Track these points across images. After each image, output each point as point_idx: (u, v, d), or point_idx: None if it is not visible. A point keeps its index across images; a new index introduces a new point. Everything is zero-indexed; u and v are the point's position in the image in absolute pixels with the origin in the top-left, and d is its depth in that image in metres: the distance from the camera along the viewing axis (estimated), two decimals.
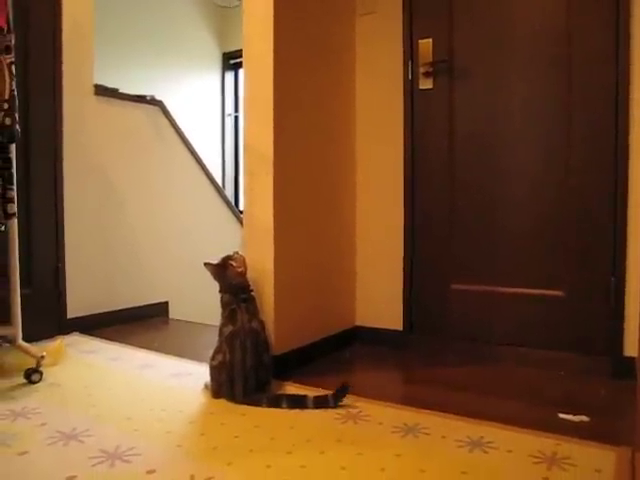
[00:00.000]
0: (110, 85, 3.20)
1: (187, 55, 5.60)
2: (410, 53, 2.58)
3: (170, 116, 3.57)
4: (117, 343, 2.70)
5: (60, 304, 2.85)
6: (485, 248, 2.47)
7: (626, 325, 2.16)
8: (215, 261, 2.02)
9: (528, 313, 2.38)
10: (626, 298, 2.17)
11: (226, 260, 2.01)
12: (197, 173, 3.89)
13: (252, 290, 2.04)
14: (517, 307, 2.40)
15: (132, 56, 4.84)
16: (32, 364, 2.08)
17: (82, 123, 2.98)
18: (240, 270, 2.01)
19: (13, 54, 1.96)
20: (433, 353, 2.54)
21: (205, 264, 2.01)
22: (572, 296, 2.29)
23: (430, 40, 2.52)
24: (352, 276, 2.78)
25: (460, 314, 2.53)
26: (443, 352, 2.53)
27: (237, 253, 2.06)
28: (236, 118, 6.10)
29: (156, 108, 3.47)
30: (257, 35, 2.19)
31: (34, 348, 2.15)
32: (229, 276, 1.99)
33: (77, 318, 2.92)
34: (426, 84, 2.54)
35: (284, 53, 2.21)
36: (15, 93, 1.97)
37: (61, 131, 2.85)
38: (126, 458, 1.45)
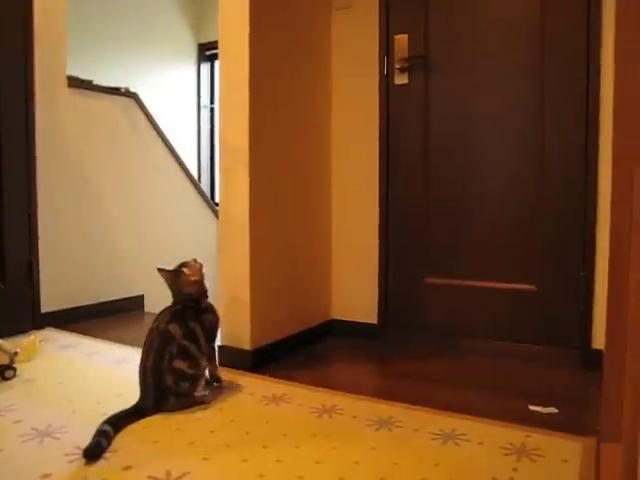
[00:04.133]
0: (83, 76, 3.15)
1: (162, 46, 5.53)
2: (386, 48, 2.59)
3: (145, 108, 3.54)
4: (93, 337, 2.68)
5: (34, 298, 2.82)
6: (459, 243, 2.51)
7: (595, 318, 2.22)
8: (170, 268, 1.89)
9: (500, 306, 2.43)
10: (595, 293, 2.23)
11: (180, 267, 1.88)
12: (172, 166, 3.86)
13: (206, 298, 1.93)
14: (490, 300, 2.45)
15: (105, 46, 4.75)
16: (5, 361, 2.06)
17: (55, 116, 2.93)
18: (194, 279, 1.87)
19: None
20: (407, 346, 2.58)
21: (158, 269, 1.88)
22: (543, 290, 2.34)
23: (406, 35, 2.54)
24: (328, 271, 2.80)
25: (434, 307, 2.57)
26: (417, 345, 2.57)
27: (195, 260, 1.91)
28: (212, 110, 6.04)
29: (131, 100, 3.43)
30: (233, 30, 2.19)
31: (7, 344, 2.13)
32: (180, 284, 1.86)
33: (52, 312, 2.89)
34: (402, 79, 2.56)
35: (260, 49, 2.20)
36: None
37: (33, 124, 2.78)
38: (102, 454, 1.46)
